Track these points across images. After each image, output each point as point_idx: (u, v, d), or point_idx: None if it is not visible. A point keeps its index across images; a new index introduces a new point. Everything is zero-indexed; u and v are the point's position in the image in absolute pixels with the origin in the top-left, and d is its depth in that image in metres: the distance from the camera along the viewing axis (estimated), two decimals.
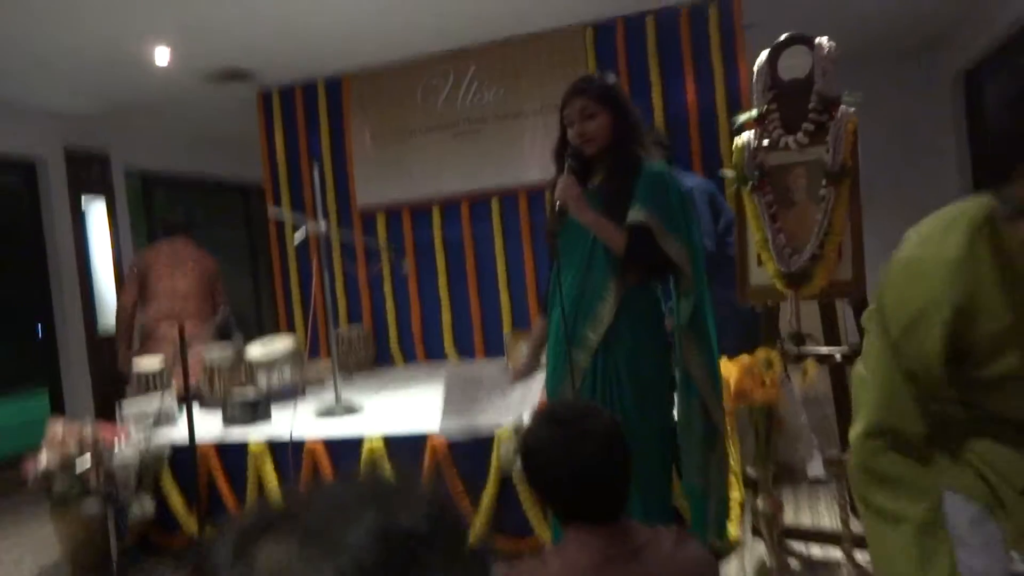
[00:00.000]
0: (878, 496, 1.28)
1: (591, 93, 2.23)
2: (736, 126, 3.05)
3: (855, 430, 1.30)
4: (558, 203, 2.19)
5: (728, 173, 3.02)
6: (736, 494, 3.13)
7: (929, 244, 1.21)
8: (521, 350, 2.99)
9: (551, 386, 2.33)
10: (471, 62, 5.04)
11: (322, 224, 3.67)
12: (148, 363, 4.05)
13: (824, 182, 2.75)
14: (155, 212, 6.71)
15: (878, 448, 1.26)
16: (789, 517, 3.18)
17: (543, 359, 2.42)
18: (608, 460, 1.44)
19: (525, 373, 2.42)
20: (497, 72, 4.99)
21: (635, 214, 2.15)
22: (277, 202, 5.54)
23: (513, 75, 4.93)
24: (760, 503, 2.74)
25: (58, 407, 5.55)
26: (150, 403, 3.56)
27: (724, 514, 2.47)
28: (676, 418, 2.31)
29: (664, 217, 2.15)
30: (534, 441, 1.49)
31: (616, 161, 2.23)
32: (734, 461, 3.18)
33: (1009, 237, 1.13)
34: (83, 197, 5.81)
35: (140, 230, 6.57)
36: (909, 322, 1.19)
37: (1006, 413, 1.21)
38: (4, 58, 4.50)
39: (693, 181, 3.78)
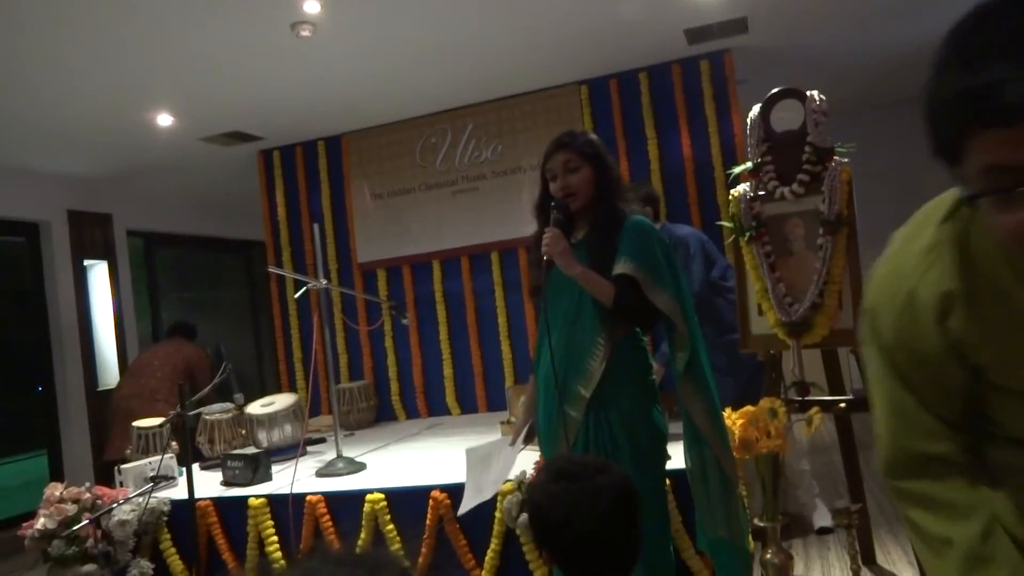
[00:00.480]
0: (919, 517, 1.07)
1: (574, 147, 2.25)
2: (732, 178, 3.10)
3: (876, 464, 1.14)
4: (544, 257, 2.19)
5: (726, 224, 3.06)
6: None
7: (908, 238, 1.13)
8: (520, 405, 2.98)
9: (544, 443, 2.31)
10: (468, 120, 5.13)
11: (323, 281, 3.69)
12: (148, 422, 4.03)
13: (821, 231, 2.79)
14: (156, 272, 6.76)
15: (905, 475, 1.09)
16: (799, 569, 3.12)
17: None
18: (621, 517, 1.42)
19: (524, 434, 2.41)
20: (494, 130, 5.08)
21: (621, 266, 2.16)
22: (278, 260, 5.58)
23: (510, 132, 5.02)
24: (769, 555, 2.69)
25: (57, 468, 5.50)
26: (149, 464, 3.52)
27: (749, 566, 2.42)
28: (688, 472, 2.28)
29: (650, 268, 2.16)
30: (544, 497, 1.46)
31: (599, 214, 2.24)
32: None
33: (972, 221, 1.03)
34: (85, 259, 5.86)
35: (141, 289, 6.60)
36: (896, 320, 1.07)
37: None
38: (9, 126, 4.60)
39: (685, 230, 3.81)
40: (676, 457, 2.40)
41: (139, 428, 4.01)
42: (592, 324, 2.20)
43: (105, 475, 4.25)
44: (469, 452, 2.38)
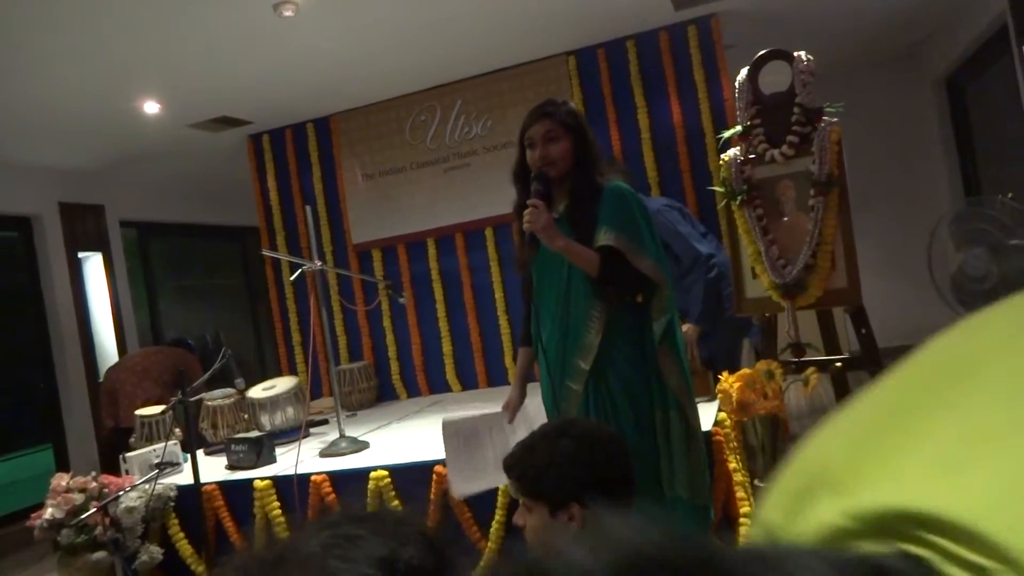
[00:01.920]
0: None
1: (556, 117, 2.23)
2: (722, 142, 3.10)
3: None
4: (527, 232, 2.17)
5: (718, 189, 3.06)
6: (747, 508, 3.12)
7: None
8: None
9: (549, 415, 2.33)
10: (457, 96, 5.11)
11: (318, 263, 3.69)
12: (150, 410, 4.06)
13: (812, 192, 2.79)
14: (152, 262, 6.75)
15: None
16: None
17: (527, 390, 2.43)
18: (627, 463, 1.58)
19: (516, 407, 2.43)
20: (483, 105, 5.05)
21: (603, 237, 2.16)
22: (273, 244, 5.58)
23: (499, 106, 4.99)
24: None
25: (63, 460, 5.53)
26: (154, 451, 3.55)
27: (707, 526, 2.44)
28: (653, 431, 2.28)
29: (632, 235, 2.16)
30: (558, 454, 1.54)
31: (579, 186, 2.23)
32: (742, 476, 3.17)
33: None
34: (79, 251, 5.85)
35: (138, 280, 6.60)
36: None
37: None
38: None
39: (656, 203, 3.75)
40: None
41: (142, 416, 4.04)
42: (584, 296, 2.20)
43: (110, 464, 4.29)
44: (446, 424, 2.38)
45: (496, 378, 4.99)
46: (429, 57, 4.61)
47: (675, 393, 2.21)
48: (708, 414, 3.19)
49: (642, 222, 2.20)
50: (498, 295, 5.04)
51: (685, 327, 3.38)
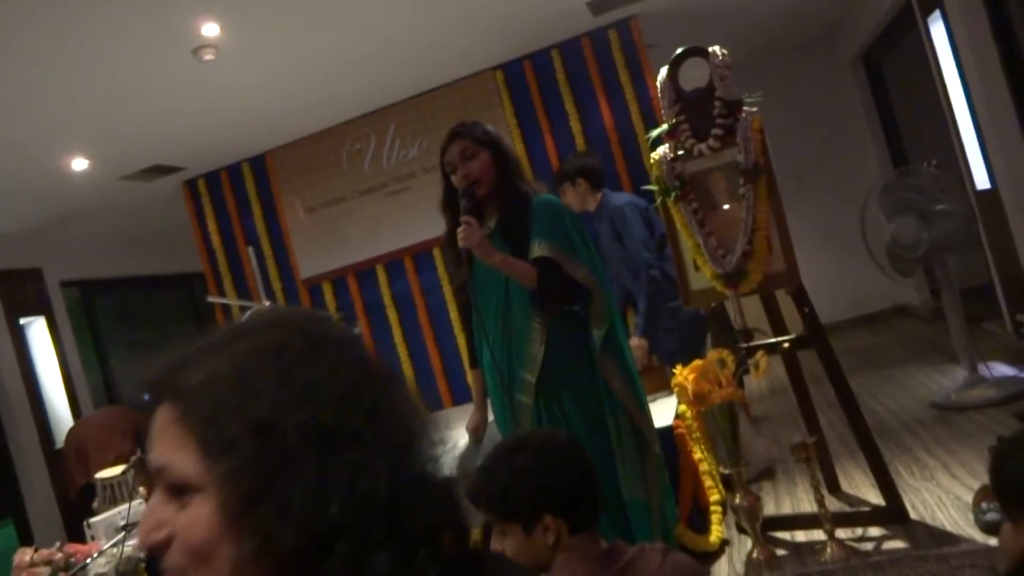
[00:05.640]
0: None
1: (468, 135, 2.27)
2: (651, 141, 3.16)
3: None
4: (463, 251, 2.19)
5: (652, 187, 3.12)
6: (716, 496, 3.18)
7: None
8: None
9: (501, 431, 2.35)
10: (390, 121, 5.13)
11: (266, 303, 3.67)
12: (110, 472, 3.96)
13: (741, 181, 2.87)
14: (98, 320, 6.61)
15: None
16: (770, 508, 3.23)
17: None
18: (586, 466, 1.58)
19: (482, 428, 2.45)
20: (417, 127, 5.08)
21: (538, 248, 2.19)
22: (220, 288, 5.51)
23: (433, 127, 5.02)
24: (738, 500, 2.79)
25: (25, 534, 5.37)
26: (119, 513, 3.48)
27: (672, 519, 2.49)
28: (608, 438, 2.31)
29: (565, 245, 2.20)
30: (517, 470, 1.53)
31: (506, 199, 2.27)
32: (709, 464, 3.23)
33: None
34: (21, 317, 5.70)
35: (85, 340, 6.45)
36: None
37: None
38: None
39: (624, 198, 3.87)
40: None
41: (102, 479, 3.95)
42: (524, 309, 2.23)
43: (77, 531, 4.18)
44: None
45: (460, 396, 5.00)
46: (358, 84, 4.62)
47: (621, 399, 2.25)
48: (669, 408, 3.26)
49: (573, 231, 2.24)
50: (453, 314, 5.05)
51: (633, 342, 3.48)
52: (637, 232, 3.69)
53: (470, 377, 2.60)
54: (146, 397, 0.69)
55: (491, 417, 2.53)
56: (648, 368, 3.57)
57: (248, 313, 0.70)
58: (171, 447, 0.64)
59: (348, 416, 0.62)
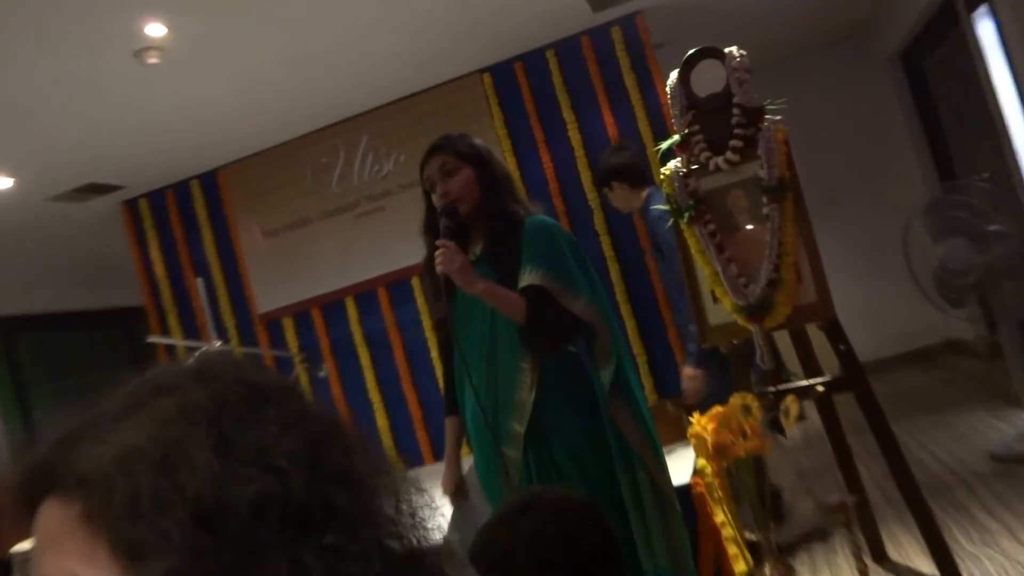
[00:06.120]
0: None
1: (449, 149, 2.28)
2: (661, 154, 3.18)
3: None
4: (442, 279, 2.15)
5: (662, 208, 3.13)
6: (742, 567, 3.15)
7: None
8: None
9: (485, 487, 2.32)
10: (362, 132, 5.15)
11: (217, 343, 3.65)
12: (27, 544, 3.91)
13: (765, 200, 2.87)
14: (20, 362, 6.55)
15: None
16: None
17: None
18: (606, 533, 1.53)
19: (458, 486, 2.43)
20: (393, 138, 5.10)
21: (528, 276, 2.16)
22: (164, 326, 5.48)
23: (411, 137, 5.04)
24: (768, 571, 2.76)
25: None
26: None
27: None
28: (623, 498, 2.28)
29: (560, 273, 2.17)
30: (521, 537, 1.50)
31: (493, 221, 2.25)
32: (731, 530, 3.20)
33: None
34: None
35: (5, 385, 6.39)
36: None
37: None
38: None
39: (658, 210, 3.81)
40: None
41: (16, 554, 3.88)
42: (512, 347, 2.20)
43: None
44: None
45: (443, 450, 4.95)
46: (325, 90, 4.64)
47: (639, 452, 2.22)
48: (685, 462, 3.23)
49: (571, 257, 2.22)
50: (434, 354, 5.03)
51: (687, 371, 3.46)
52: (674, 240, 3.65)
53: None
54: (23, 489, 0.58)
55: (465, 468, 2.50)
56: (663, 412, 3.55)
57: (159, 368, 0.65)
58: (73, 557, 0.54)
59: (315, 484, 0.57)
